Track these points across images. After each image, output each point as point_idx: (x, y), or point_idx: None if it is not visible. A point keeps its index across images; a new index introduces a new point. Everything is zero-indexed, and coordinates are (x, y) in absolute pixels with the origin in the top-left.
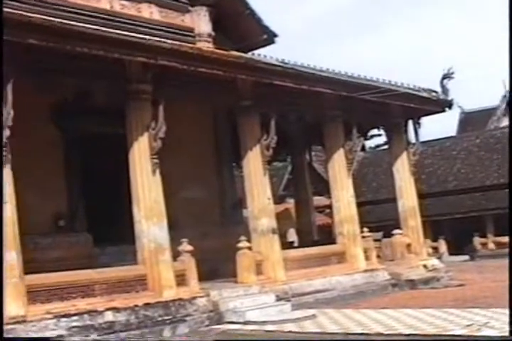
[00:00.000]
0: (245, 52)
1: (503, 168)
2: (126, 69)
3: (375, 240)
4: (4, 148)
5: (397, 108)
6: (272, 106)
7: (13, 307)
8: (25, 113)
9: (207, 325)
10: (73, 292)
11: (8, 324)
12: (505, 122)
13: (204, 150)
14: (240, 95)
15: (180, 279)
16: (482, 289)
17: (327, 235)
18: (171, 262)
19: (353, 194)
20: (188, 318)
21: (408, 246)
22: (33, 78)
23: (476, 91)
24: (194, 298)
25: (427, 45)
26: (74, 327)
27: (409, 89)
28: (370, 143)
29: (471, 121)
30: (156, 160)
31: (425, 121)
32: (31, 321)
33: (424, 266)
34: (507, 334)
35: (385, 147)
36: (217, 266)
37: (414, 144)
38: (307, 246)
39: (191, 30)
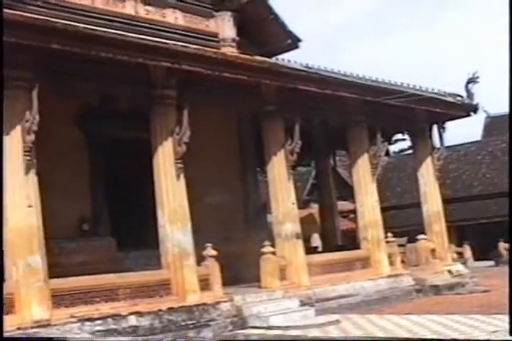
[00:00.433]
0: (269, 57)
1: None
2: (151, 74)
3: (400, 245)
4: (29, 153)
5: (421, 112)
6: (296, 111)
7: (38, 310)
8: (50, 117)
9: (230, 330)
10: (97, 296)
11: (32, 327)
12: None
13: (228, 155)
14: (264, 100)
15: (204, 284)
16: (507, 295)
17: (351, 240)
18: (195, 267)
19: (378, 199)
20: (211, 323)
21: (433, 251)
22: (58, 83)
23: (502, 95)
24: (218, 302)
25: (451, 48)
26: (97, 331)
27: (434, 93)
28: (393, 148)
29: (496, 125)
30: (180, 165)
31: (450, 125)
32: (55, 325)
33: (449, 272)
34: None
35: (409, 152)
36: (240, 271)
37: (438, 149)
38: (331, 251)
39: (215, 35)
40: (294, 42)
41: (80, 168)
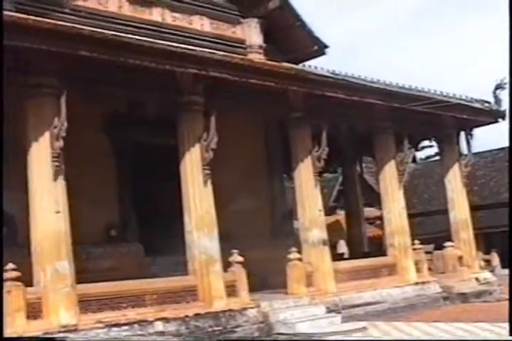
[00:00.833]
0: (296, 63)
1: None
2: (178, 81)
3: (427, 252)
4: (57, 159)
5: (449, 119)
6: (323, 118)
7: (65, 316)
8: (78, 124)
9: (257, 336)
10: (124, 302)
11: (59, 332)
12: None
13: (255, 162)
14: (291, 107)
15: (231, 290)
16: None
17: (377, 247)
18: (222, 273)
19: (404, 205)
20: (238, 329)
21: (460, 258)
22: (86, 89)
23: None
24: (244, 308)
25: (479, 54)
26: (124, 336)
27: (462, 99)
28: (420, 155)
29: None
30: (207, 171)
31: (478, 132)
32: (82, 330)
33: (477, 279)
34: None
35: (436, 158)
36: (267, 277)
37: (466, 155)
38: (357, 258)
39: (242, 41)
40: (320, 49)
41: (107, 174)
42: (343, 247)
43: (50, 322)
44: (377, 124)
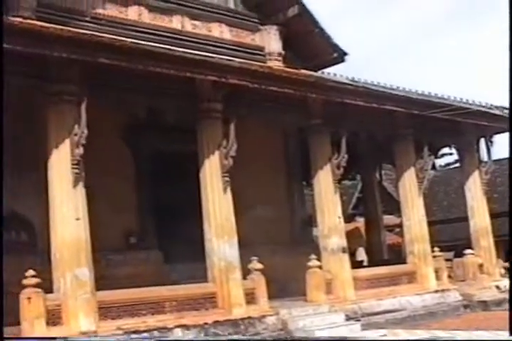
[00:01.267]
0: (315, 70)
1: None
2: (197, 88)
3: (447, 260)
4: (78, 166)
5: (469, 126)
6: (342, 125)
7: (85, 322)
8: (98, 131)
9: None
10: (143, 308)
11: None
12: None
13: (274, 169)
14: (310, 114)
15: (250, 297)
16: None
17: (397, 254)
18: (241, 280)
19: (424, 213)
20: (257, 337)
21: (480, 266)
22: (106, 97)
23: None
24: (264, 316)
25: (499, 59)
26: None
27: (482, 106)
28: (440, 162)
29: None
30: (227, 178)
31: (498, 138)
32: (102, 336)
33: (497, 287)
34: None
35: (456, 165)
36: (286, 285)
37: (486, 163)
38: (377, 266)
39: (261, 49)
40: (340, 56)
41: (126, 181)
42: (362, 254)
43: (70, 328)
44: (397, 131)
